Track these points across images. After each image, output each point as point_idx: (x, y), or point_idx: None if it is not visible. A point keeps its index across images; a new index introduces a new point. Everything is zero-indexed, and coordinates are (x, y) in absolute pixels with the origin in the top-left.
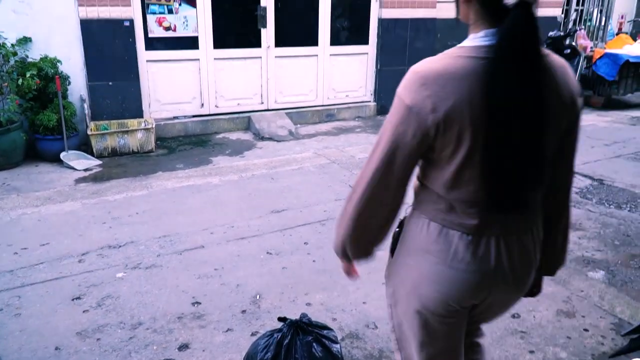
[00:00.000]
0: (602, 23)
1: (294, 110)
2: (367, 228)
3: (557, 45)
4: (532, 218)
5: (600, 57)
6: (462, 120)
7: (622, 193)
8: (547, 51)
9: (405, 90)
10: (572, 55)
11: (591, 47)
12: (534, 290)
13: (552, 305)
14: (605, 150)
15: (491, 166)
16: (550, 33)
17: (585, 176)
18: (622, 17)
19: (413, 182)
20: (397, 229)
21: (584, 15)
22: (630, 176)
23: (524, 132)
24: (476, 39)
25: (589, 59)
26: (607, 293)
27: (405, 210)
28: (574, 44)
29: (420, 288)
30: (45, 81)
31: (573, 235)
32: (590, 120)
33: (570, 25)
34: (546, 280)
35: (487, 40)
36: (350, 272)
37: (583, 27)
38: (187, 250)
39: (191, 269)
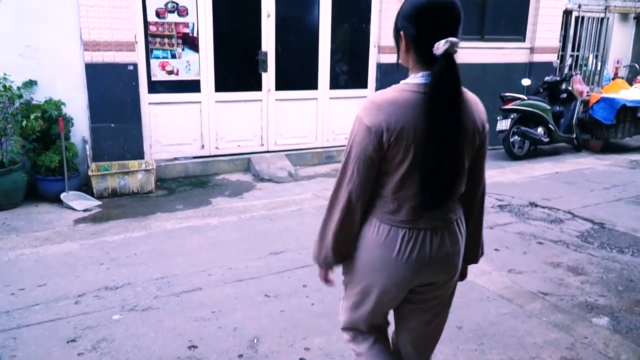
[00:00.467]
0: (598, 68)
1: (294, 152)
2: (348, 231)
3: (554, 90)
4: (455, 213)
5: (597, 102)
6: (408, 138)
7: (623, 237)
8: (464, 89)
9: (365, 114)
10: (569, 99)
11: (587, 92)
12: (462, 277)
13: (555, 352)
14: (605, 193)
15: (425, 174)
16: (547, 78)
17: (586, 220)
18: (617, 62)
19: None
20: None
21: (579, 60)
22: (631, 220)
23: (449, 147)
24: (415, 78)
25: (585, 103)
26: (612, 340)
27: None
28: (570, 88)
29: (371, 278)
30: (49, 123)
31: (575, 280)
32: (589, 164)
33: (566, 70)
34: (549, 327)
35: (423, 79)
36: (327, 279)
37: (579, 72)
38: (185, 292)
39: (188, 312)
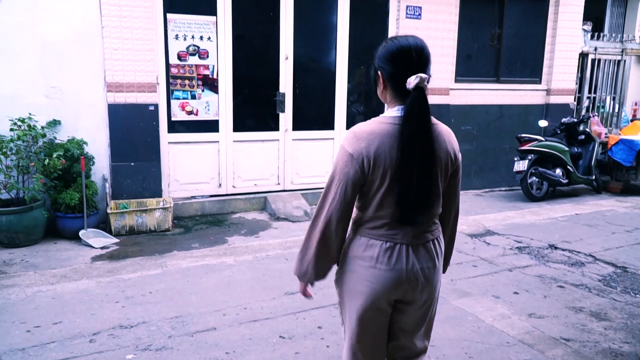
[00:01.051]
0: (616, 110)
1: (310, 191)
2: (328, 249)
3: (571, 131)
4: (432, 233)
5: (616, 144)
6: (385, 164)
7: None
8: (435, 120)
9: (348, 143)
10: (587, 141)
11: (605, 133)
12: None
13: None
14: (627, 236)
15: (401, 195)
16: (564, 120)
17: (608, 263)
18: (635, 104)
19: (353, 213)
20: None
21: (597, 102)
22: None
23: (419, 169)
24: (392, 111)
25: (604, 144)
26: None
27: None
28: (587, 130)
29: (357, 286)
30: (71, 161)
31: (598, 325)
32: (609, 206)
33: (584, 112)
34: None
35: (399, 112)
36: (306, 293)
37: (596, 114)
38: (199, 332)
39: (202, 352)
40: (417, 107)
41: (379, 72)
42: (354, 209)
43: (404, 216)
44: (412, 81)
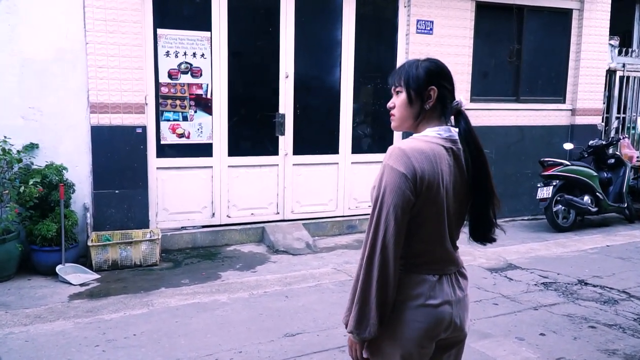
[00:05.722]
0: None
1: (312, 221)
2: (390, 286)
3: (599, 155)
4: (459, 258)
5: None
6: (438, 186)
7: None
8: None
9: (396, 161)
10: (617, 165)
11: (637, 157)
12: None
13: None
14: None
15: (478, 215)
16: (591, 142)
17: None
18: None
19: None
20: None
21: (626, 123)
22: None
23: (487, 190)
24: (432, 131)
25: (635, 169)
26: None
27: None
28: (618, 153)
29: (404, 332)
30: (49, 189)
31: None
32: None
33: (613, 133)
34: None
35: (445, 132)
36: (360, 355)
37: (627, 135)
38: None
39: None
40: (470, 127)
41: (434, 89)
42: None
43: (484, 235)
44: (462, 101)
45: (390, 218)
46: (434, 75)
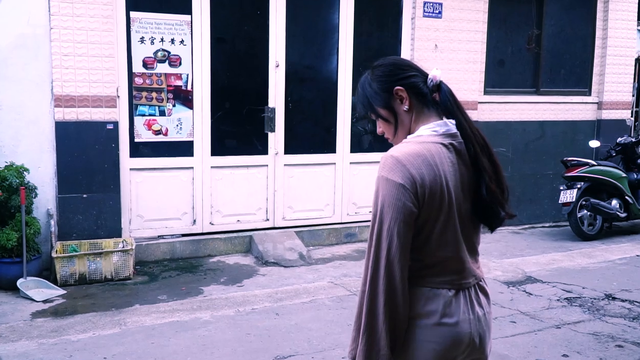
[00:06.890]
0: None
1: (306, 228)
2: (400, 310)
3: (629, 154)
4: (480, 269)
5: None
6: (442, 191)
7: None
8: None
9: (390, 171)
10: None
11: None
12: None
13: None
14: None
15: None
16: (619, 139)
17: None
18: None
19: None
20: None
21: None
22: None
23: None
24: (427, 129)
25: None
26: None
27: None
28: None
29: (414, 356)
30: (8, 193)
31: None
32: None
33: None
34: None
35: (441, 127)
36: None
37: None
38: None
39: None
40: (453, 96)
41: (399, 89)
42: None
43: (494, 218)
44: (437, 75)
45: (392, 235)
46: (390, 76)
